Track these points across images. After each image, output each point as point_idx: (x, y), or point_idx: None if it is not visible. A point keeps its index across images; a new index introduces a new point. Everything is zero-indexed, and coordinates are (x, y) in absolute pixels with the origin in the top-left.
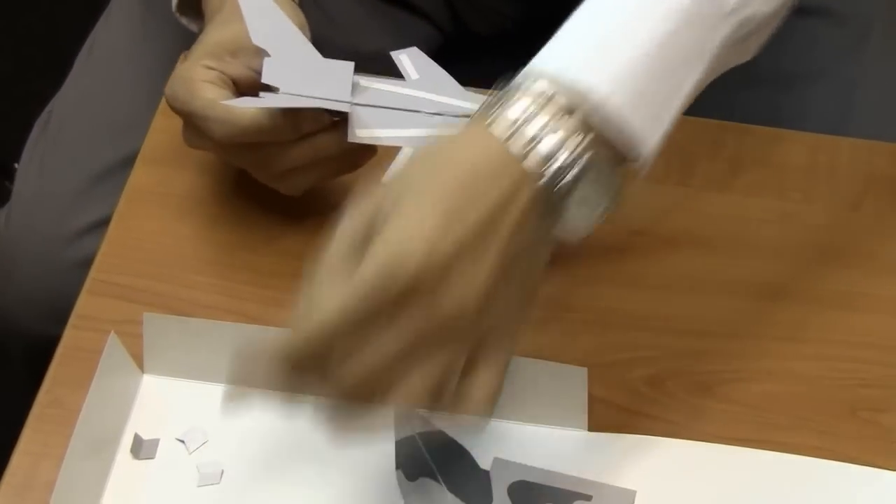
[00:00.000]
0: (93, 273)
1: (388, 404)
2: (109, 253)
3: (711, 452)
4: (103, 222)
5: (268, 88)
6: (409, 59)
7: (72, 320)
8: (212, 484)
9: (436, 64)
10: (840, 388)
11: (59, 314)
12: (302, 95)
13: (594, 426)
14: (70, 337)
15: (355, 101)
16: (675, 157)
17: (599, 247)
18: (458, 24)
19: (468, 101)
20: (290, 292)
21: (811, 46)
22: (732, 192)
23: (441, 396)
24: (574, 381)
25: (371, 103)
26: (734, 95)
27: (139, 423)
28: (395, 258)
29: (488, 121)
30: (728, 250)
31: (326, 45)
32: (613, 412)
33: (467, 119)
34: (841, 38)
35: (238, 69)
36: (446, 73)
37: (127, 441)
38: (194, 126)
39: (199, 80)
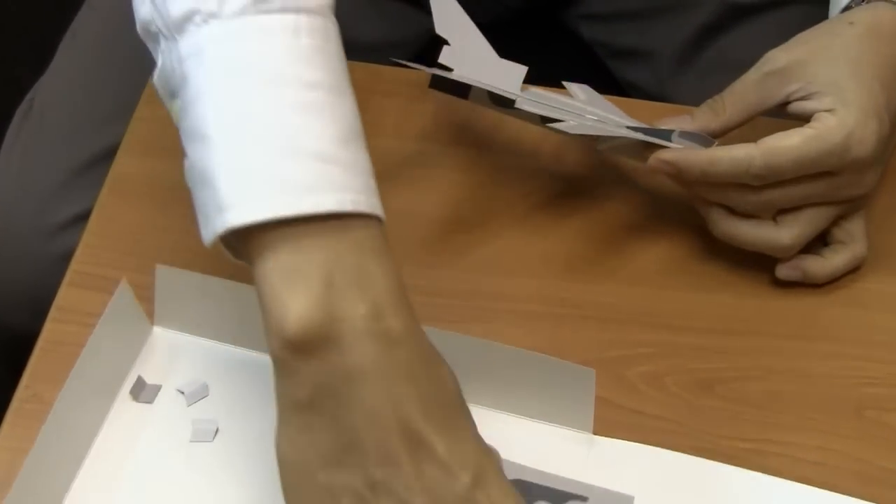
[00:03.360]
0: (73, 265)
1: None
2: (91, 244)
3: (715, 470)
4: (86, 215)
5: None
6: (578, 88)
7: (52, 313)
8: (204, 441)
9: (603, 97)
10: (845, 386)
11: (42, 309)
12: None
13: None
14: (50, 330)
15: (523, 95)
16: None
17: (598, 242)
18: None
19: (632, 122)
20: None
21: None
22: None
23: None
24: (582, 382)
25: (538, 101)
26: None
27: (144, 368)
28: (850, 138)
29: None
30: (730, 246)
31: None
32: (611, 410)
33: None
34: None
35: None
36: (614, 106)
37: (129, 383)
38: None
39: None
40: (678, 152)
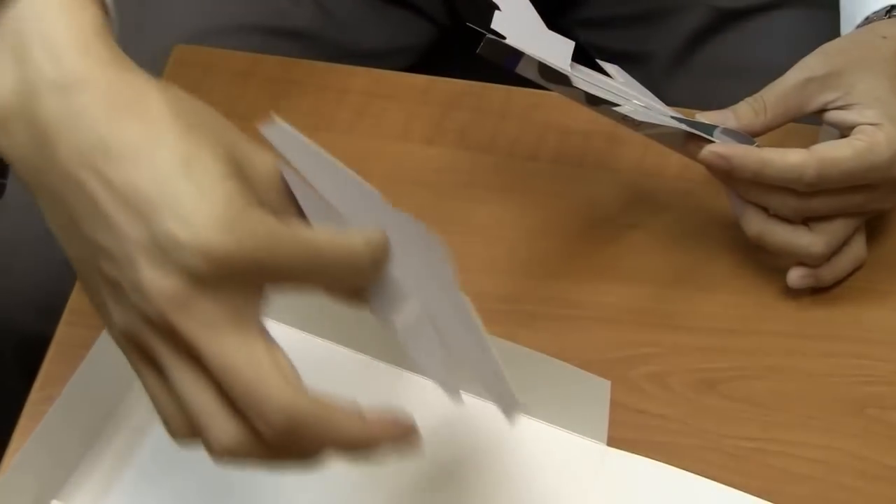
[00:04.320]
0: None
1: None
2: None
3: (728, 495)
4: None
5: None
6: (614, 69)
7: (65, 316)
8: None
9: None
10: (847, 385)
11: (53, 312)
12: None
13: None
14: (63, 333)
15: (573, 72)
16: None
17: (600, 242)
18: (454, 18)
19: (668, 110)
20: None
21: (817, 39)
22: None
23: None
24: (597, 392)
25: (588, 80)
26: (738, 89)
27: None
28: (876, 149)
29: None
30: (732, 245)
31: (324, 42)
32: (616, 409)
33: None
34: None
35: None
36: (646, 89)
37: None
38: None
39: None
40: (733, 148)
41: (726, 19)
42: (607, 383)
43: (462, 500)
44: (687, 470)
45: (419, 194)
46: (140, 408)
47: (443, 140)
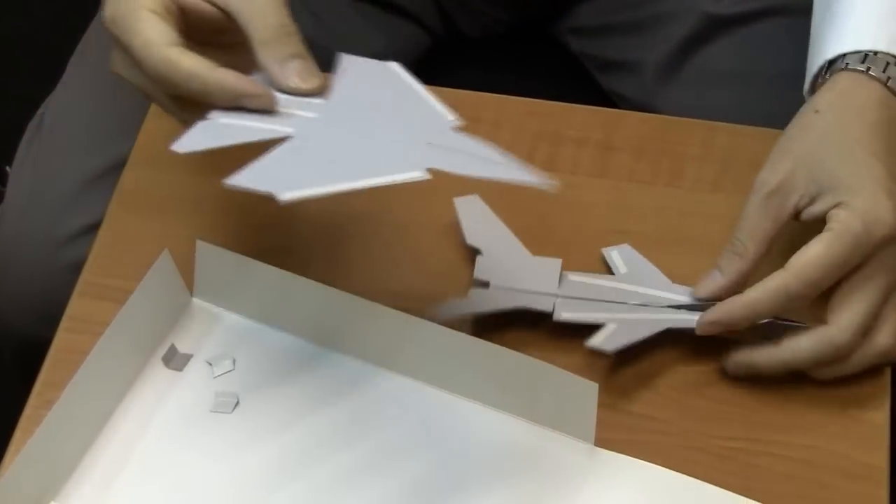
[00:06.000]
0: (84, 275)
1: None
2: (101, 255)
3: (716, 495)
4: (96, 226)
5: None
6: (619, 254)
7: (63, 322)
8: (223, 412)
9: (645, 259)
10: (830, 386)
11: (51, 317)
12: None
13: None
14: (61, 339)
15: (561, 294)
16: (665, 157)
17: (591, 249)
18: (448, 27)
19: (674, 293)
20: None
21: (806, 47)
22: (723, 192)
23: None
24: (585, 394)
25: (577, 295)
26: (730, 96)
27: (178, 337)
28: (867, 224)
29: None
30: (718, 250)
31: (317, 50)
32: (604, 410)
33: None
34: None
35: None
36: (655, 268)
37: (162, 349)
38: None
39: (143, 7)
40: (718, 311)
41: (718, 26)
42: (595, 385)
43: (451, 500)
44: (672, 469)
45: (413, 201)
46: (136, 412)
47: None
